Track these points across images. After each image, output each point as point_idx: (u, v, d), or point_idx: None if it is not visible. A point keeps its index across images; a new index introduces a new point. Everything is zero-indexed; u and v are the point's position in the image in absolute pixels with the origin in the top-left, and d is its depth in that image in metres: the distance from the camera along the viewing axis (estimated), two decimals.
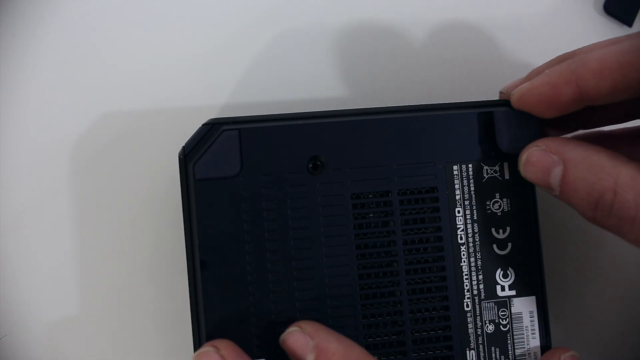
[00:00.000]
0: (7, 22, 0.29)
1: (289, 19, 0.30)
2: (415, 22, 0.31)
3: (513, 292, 0.26)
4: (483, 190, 0.26)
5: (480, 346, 0.26)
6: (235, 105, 0.30)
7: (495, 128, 0.26)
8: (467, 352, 0.26)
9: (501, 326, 0.26)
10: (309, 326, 0.24)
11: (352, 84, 0.31)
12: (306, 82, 0.30)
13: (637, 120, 0.27)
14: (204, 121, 0.25)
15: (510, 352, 0.26)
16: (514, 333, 0.26)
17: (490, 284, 0.26)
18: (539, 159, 0.24)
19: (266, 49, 0.30)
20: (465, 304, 0.26)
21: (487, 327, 0.26)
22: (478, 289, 0.26)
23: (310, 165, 0.25)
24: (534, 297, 0.26)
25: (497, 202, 0.26)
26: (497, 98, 0.27)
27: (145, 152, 0.29)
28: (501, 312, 0.26)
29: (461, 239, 0.26)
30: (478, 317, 0.26)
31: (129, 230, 0.29)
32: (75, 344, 0.29)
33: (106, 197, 0.29)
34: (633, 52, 0.21)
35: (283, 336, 0.24)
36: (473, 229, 0.26)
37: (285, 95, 0.30)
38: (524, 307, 0.26)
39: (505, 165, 0.26)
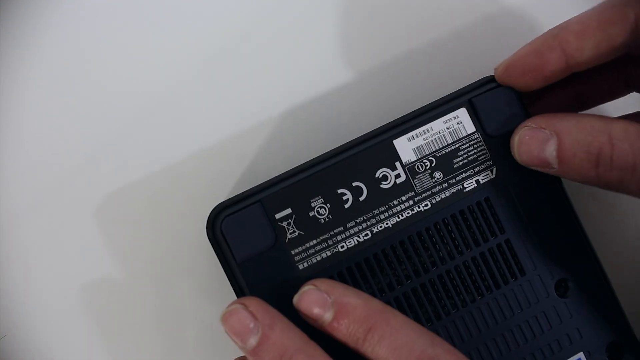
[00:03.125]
0: (8, 23, 0.29)
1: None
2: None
3: None
4: None
5: None
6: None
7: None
8: None
9: None
10: (324, 284, 0.23)
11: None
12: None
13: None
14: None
15: None
16: None
17: None
18: (532, 137, 0.24)
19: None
20: None
21: None
22: None
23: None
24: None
25: None
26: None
27: (144, 149, 0.29)
28: None
29: None
30: None
31: (129, 230, 0.29)
32: (75, 344, 0.29)
33: (106, 197, 0.29)
34: (611, 9, 0.21)
35: (297, 296, 0.23)
36: None
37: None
38: None
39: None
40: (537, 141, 0.23)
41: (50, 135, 0.29)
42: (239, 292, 0.24)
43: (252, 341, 0.22)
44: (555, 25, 0.25)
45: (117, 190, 0.29)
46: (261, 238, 0.24)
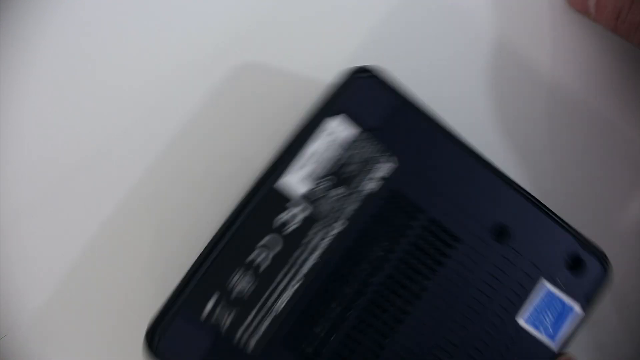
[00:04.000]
0: (7, 22, 0.29)
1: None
2: None
3: None
4: None
5: None
6: None
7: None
8: None
9: None
10: None
11: None
12: None
13: None
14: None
15: None
16: None
17: None
18: None
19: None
20: None
21: None
22: None
23: None
24: None
25: None
26: None
27: (144, 149, 0.29)
28: None
29: None
30: None
31: (130, 230, 0.29)
32: (75, 344, 0.29)
33: (107, 196, 0.29)
34: None
35: None
36: None
37: None
38: None
39: None
40: None
41: (49, 135, 0.29)
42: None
43: None
44: None
45: (115, 189, 0.29)
46: (200, 342, 0.24)
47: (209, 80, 0.30)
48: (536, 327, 0.25)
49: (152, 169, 0.29)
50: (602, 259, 0.26)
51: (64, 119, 0.29)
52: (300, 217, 0.25)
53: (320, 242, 0.25)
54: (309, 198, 0.25)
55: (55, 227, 0.29)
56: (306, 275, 0.24)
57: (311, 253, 0.24)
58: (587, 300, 0.26)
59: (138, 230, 0.29)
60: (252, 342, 0.24)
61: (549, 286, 0.26)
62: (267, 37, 0.30)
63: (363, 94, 0.25)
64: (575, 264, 0.26)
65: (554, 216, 0.26)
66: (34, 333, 0.29)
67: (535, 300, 0.26)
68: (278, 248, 0.24)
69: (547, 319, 0.26)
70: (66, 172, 0.29)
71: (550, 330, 0.26)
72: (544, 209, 0.26)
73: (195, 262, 0.25)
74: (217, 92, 0.30)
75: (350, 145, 0.25)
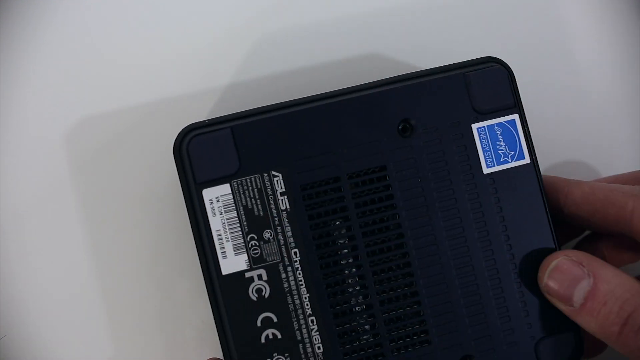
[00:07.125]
0: (6, 21, 0.29)
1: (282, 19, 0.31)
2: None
3: None
4: None
5: None
6: (229, 99, 0.30)
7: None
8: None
9: None
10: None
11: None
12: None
13: None
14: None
15: None
16: None
17: None
18: (570, 269, 0.23)
19: (260, 46, 0.30)
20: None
21: None
22: None
23: None
24: None
25: None
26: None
27: (144, 149, 0.29)
28: None
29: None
30: None
31: (129, 230, 0.29)
32: (75, 344, 0.29)
33: (106, 197, 0.29)
34: (619, 193, 0.24)
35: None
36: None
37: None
38: None
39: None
40: (573, 275, 0.23)
41: (52, 134, 0.29)
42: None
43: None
44: None
45: (117, 189, 0.29)
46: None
47: (205, 73, 0.30)
48: (503, 162, 0.25)
49: (154, 166, 0.29)
50: (490, 62, 0.26)
51: (65, 117, 0.29)
52: (264, 277, 0.24)
53: (297, 276, 0.25)
54: (254, 262, 0.24)
55: (55, 226, 0.29)
56: (311, 303, 0.25)
57: (299, 290, 0.25)
58: (515, 102, 0.26)
59: (140, 230, 0.29)
60: None
61: (479, 124, 0.25)
62: None
63: (205, 153, 0.24)
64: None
65: (439, 72, 0.26)
66: (34, 333, 0.28)
67: (480, 145, 0.25)
68: (274, 313, 0.24)
69: (503, 147, 0.26)
70: (67, 172, 0.29)
71: (514, 152, 0.26)
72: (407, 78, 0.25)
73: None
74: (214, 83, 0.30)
75: (235, 196, 0.25)
